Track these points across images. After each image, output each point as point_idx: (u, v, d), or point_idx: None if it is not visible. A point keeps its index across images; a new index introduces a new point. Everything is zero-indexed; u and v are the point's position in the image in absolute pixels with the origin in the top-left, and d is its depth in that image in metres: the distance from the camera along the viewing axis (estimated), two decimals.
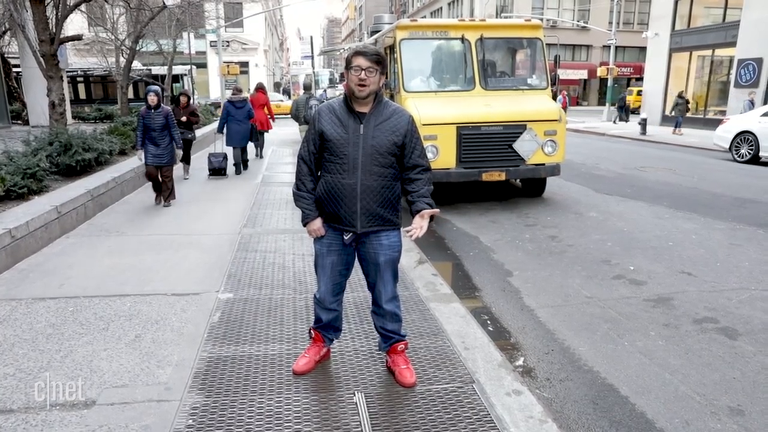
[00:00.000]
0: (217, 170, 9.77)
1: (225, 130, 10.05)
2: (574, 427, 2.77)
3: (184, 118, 9.04)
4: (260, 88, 12.48)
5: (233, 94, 10.37)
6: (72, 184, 6.94)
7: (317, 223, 2.81)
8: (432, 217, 2.79)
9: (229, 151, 10.15)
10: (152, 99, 6.94)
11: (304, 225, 2.85)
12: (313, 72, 17.27)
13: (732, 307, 4.19)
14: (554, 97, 8.44)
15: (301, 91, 15.94)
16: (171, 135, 7.12)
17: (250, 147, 11.18)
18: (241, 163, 10.31)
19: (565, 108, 26.10)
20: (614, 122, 25.17)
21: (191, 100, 9.77)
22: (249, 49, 41.02)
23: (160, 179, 7.25)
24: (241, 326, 3.60)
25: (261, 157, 12.60)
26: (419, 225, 2.73)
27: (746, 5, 18.70)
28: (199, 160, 11.77)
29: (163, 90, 20.26)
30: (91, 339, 3.40)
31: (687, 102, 19.00)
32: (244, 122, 10.08)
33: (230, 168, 10.16)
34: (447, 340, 3.43)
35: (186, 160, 9.43)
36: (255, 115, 10.91)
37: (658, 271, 5.03)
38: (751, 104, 16.34)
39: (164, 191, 7.28)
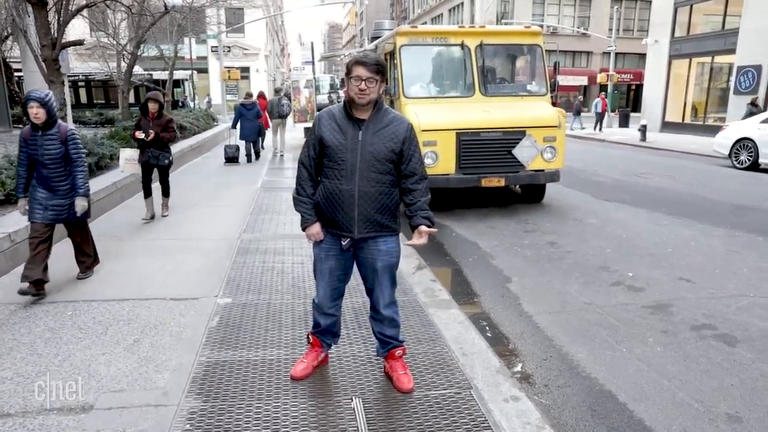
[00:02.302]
0: (230, 159, 12.25)
1: (238, 127, 12.49)
2: None
3: (152, 134, 6.38)
4: (261, 95, 15.09)
5: (245, 98, 13.00)
6: None
7: (316, 228, 2.82)
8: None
9: (242, 143, 12.58)
10: (35, 113, 4.07)
11: (303, 229, 2.86)
12: (314, 77, 17.35)
13: (730, 313, 4.19)
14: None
15: (301, 96, 16.36)
16: (72, 173, 4.29)
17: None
18: (252, 154, 12.76)
19: (604, 112, 24.01)
20: None
21: (165, 107, 7.65)
22: (250, 55, 41.12)
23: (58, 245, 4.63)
24: (239, 331, 3.60)
25: (262, 149, 14.89)
26: (419, 240, 2.78)
27: (745, 13, 18.78)
28: (198, 166, 11.79)
29: (164, 95, 20.34)
30: (90, 343, 3.41)
31: (762, 111, 16.45)
32: (254, 121, 12.51)
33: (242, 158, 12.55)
34: (445, 345, 3.43)
35: (165, 191, 7.07)
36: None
37: (657, 277, 5.03)
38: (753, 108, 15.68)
39: (81, 262, 4.67)
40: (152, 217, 6.78)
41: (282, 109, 13.70)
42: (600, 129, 23.76)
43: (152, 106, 6.59)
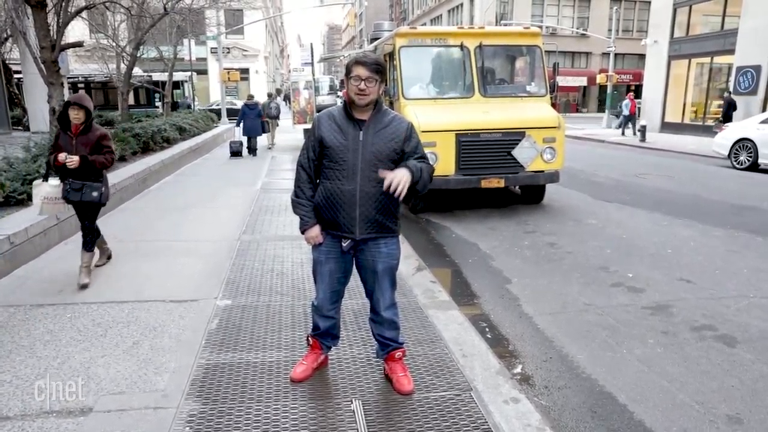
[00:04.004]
0: (235, 153, 13.87)
1: (241, 125, 14.33)
2: None
3: (74, 160, 4.21)
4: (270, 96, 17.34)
5: (249, 99, 14.84)
6: None
7: (315, 230, 2.81)
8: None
9: (245, 139, 14.33)
10: None
11: (302, 232, 2.85)
12: (314, 79, 17.43)
13: (730, 314, 4.19)
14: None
15: (301, 98, 16.49)
16: None
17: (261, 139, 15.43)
18: (253, 148, 14.33)
19: (633, 114, 21.44)
20: None
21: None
22: (249, 56, 41.17)
23: None
24: (239, 333, 3.59)
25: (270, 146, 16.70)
26: (388, 172, 2.59)
27: (744, 13, 18.79)
28: (197, 167, 11.76)
29: (164, 96, 20.36)
30: (89, 345, 3.40)
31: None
32: (256, 119, 14.42)
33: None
34: (445, 347, 3.43)
35: (86, 242, 4.58)
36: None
37: (657, 278, 5.03)
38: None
39: None
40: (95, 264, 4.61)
41: (270, 111, 15.98)
42: (624, 133, 21.23)
43: (75, 115, 4.29)
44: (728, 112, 17.62)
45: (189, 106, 24.44)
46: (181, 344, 3.42)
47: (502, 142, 7.44)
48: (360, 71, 2.61)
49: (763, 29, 17.80)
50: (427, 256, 5.71)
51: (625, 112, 21.44)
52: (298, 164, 2.86)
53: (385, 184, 2.58)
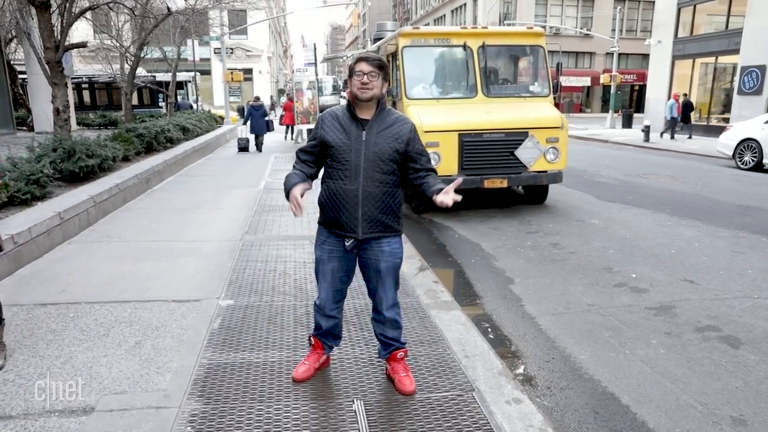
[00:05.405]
0: (242, 149, 15.15)
1: (249, 123, 15.49)
2: None
3: None
4: (290, 99, 18.56)
5: (255, 101, 15.95)
6: (75, 190, 6.96)
7: (299, 189, 2.71)
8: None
9: (251, 137, 15.53)
10: None
11: (287, 193, 2.76)
12: (317, 79, 17.59)
13: (734, 315, 4.17)
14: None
15: (304, 98, 16.76)
16: None
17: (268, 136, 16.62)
18: (259, 145, 15.62)
19: (680, 114, 19.36)
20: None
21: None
22: (253, 56, 41.22)
23: None
24: (241, 333, 3.59)
25: (293, 140, 18.45)
26: (446, 196, 2.61)
27: (749, 13, 18.71)
28: (200, 167, 11.74)
29: (167, 97, 20.41)
30: (92, 345, 3.40)
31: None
32: (261, 119, 15.53)
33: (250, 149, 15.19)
34: (447, 347, 3.42)
35: None
36: (284, 113, 17.94)
37: (660, 278, 5.01)
38: None
39: None
40: None
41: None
42: (672, 136, 19.31)
43: None
44: (686, 112, 19.59)
45: (191, 107, 24.42)
46: (184, 344, 3.43)
47: (505, 142, 7.43)
48: (362, 66, 2.65)
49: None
50: (429, 256, 5.70)
51: (674, 114, 19.31)
52: (297, 151, 2.92)
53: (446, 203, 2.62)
